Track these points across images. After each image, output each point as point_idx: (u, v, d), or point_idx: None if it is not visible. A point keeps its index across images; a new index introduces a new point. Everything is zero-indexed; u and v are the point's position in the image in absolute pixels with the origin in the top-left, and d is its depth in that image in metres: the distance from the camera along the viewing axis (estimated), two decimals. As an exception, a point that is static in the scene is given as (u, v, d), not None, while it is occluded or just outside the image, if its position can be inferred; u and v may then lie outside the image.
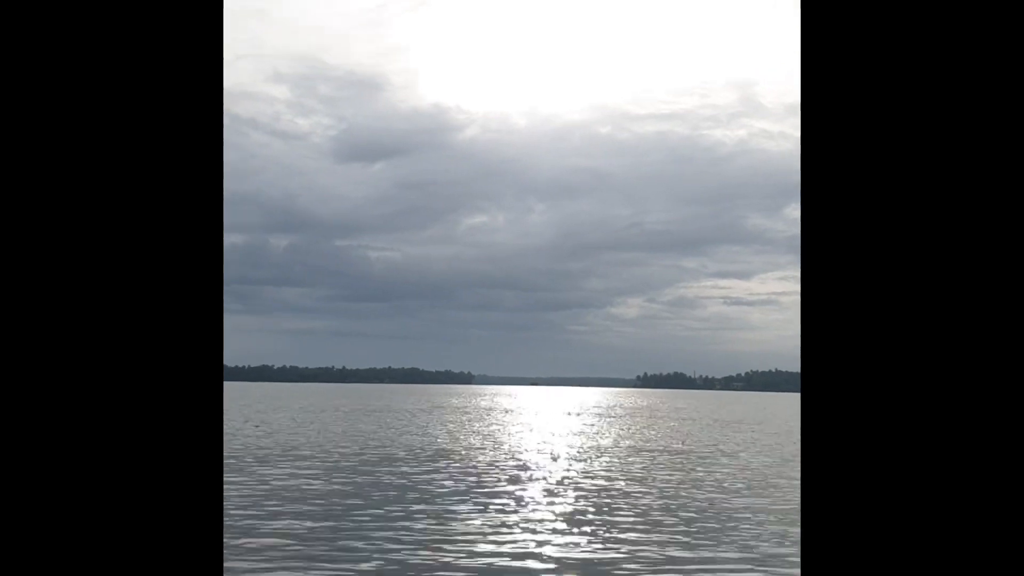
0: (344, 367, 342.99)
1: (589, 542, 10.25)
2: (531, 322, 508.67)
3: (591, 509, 12.82)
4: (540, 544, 10.07)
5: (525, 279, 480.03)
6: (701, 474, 18.40)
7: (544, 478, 16.84)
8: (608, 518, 12.04)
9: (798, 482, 12.84)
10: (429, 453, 22.31)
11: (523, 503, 13.36)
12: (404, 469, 18.03)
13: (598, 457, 22.14)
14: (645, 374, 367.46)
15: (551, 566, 8.90)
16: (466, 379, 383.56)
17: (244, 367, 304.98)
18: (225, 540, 9.65)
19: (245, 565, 8.86)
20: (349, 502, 13.05)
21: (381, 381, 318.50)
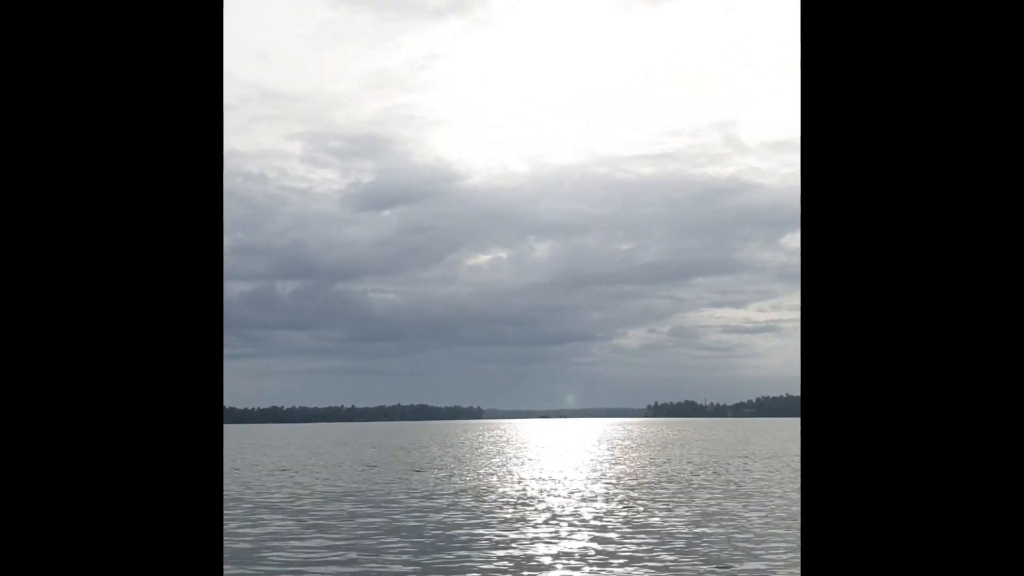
0: (353, 406, 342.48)
1: None
2: (536, 356, 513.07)
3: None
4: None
5: (527, 315, 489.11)
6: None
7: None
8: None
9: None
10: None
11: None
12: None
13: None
14: (656, 403, 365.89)
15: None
16: (476, 414, 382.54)
17: (254, 409, 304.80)
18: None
19: None
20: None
21: (390, 419, 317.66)
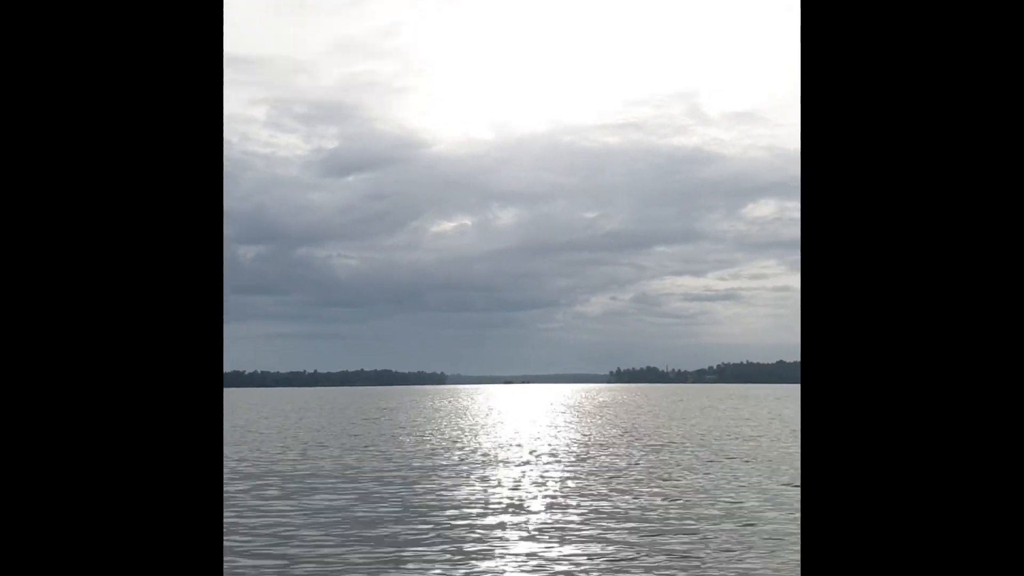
0: (316, 371, 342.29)
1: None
2: (500, 322, 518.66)
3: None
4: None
5: (492, 281, 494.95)
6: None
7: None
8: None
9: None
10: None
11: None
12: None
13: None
14: (618, 369, 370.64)
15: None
16: (439, 379, 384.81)
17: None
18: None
19: None
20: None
21: (353, 384, 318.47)
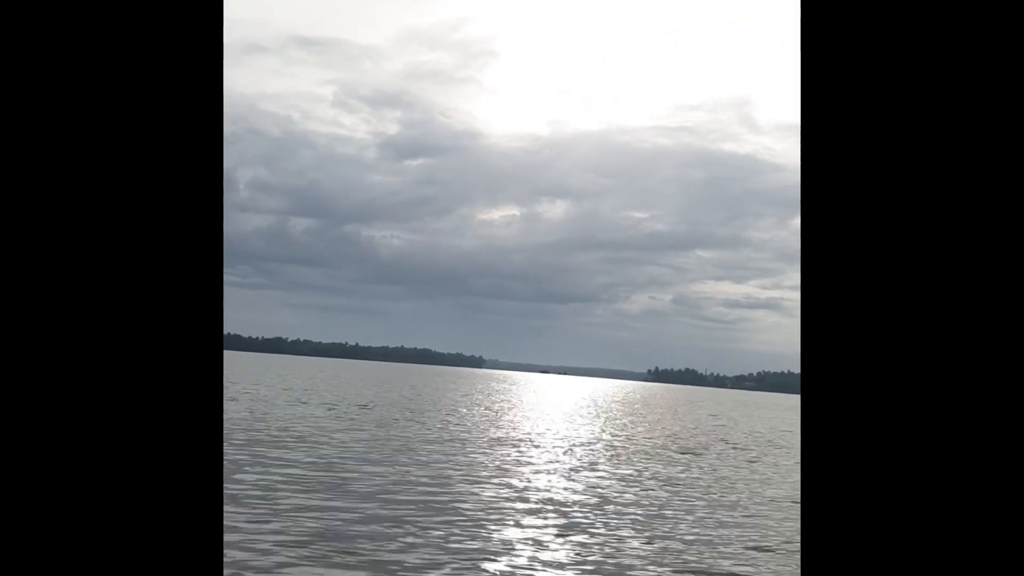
0: (358, 344, 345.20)
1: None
2: (539, 312, 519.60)
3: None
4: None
5: (534, 272, 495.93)
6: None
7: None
8: None
9: None
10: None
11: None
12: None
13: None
14: (656, 368, 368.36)
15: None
16: (477, 363, 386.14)
17: (258, 338, 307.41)
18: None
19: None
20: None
21: (393, 360, 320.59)
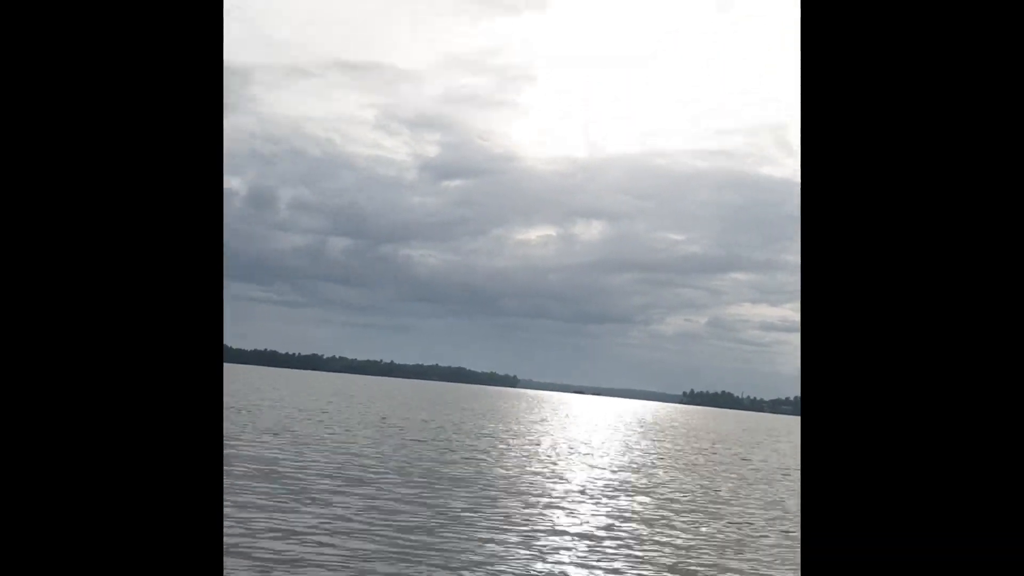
0: (392, 361, 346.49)
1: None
2: (574, 332, 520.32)
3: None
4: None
5: (569, 292, 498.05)
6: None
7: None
8: None
9: None
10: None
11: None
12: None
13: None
14: (692, 391, 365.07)
15: None
16: (511, 382, 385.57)
17: (295, 355, 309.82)
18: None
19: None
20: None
21: (427, 378, 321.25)
